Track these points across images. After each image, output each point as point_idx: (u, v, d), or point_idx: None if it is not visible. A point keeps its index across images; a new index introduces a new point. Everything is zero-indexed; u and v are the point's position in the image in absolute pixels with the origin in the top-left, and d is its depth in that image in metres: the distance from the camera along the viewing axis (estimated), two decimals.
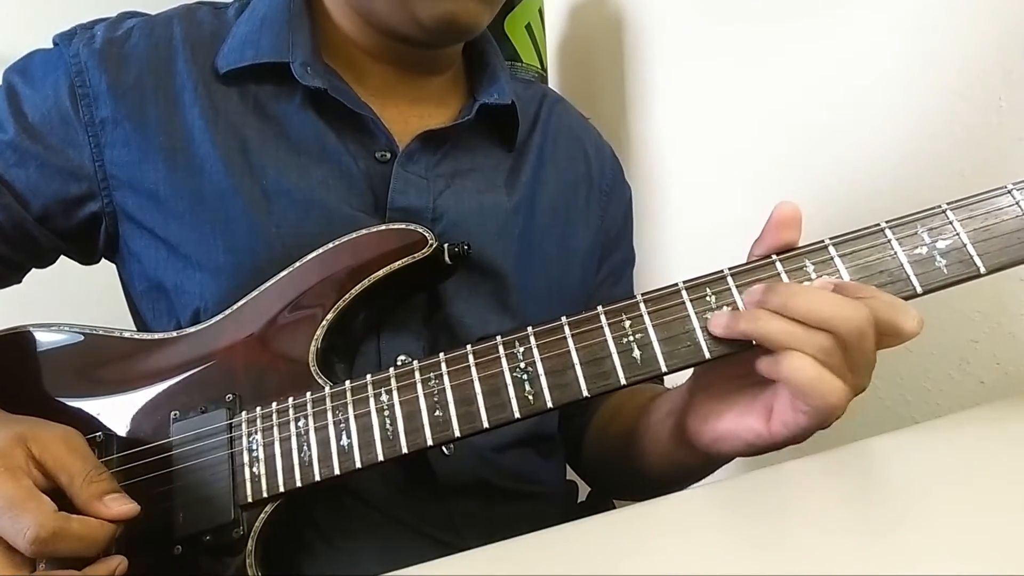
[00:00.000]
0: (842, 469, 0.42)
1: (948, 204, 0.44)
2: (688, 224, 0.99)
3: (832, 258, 0.45)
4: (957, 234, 0.43)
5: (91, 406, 0.54)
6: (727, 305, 0.45)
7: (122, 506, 0.46)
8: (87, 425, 0.52)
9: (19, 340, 0.57)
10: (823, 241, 0.45)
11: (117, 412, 0.54)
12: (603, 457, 0.65)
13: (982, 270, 0.43)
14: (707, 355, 0.44)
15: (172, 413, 0.52)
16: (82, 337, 0.56)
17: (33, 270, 0.63)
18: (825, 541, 0.30)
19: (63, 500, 0.45)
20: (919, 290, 0.43)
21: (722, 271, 0.46)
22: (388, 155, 0.59)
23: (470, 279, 0.58)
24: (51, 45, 0.60)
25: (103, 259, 0.63)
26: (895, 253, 0.44)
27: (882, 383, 0.72)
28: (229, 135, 0.57)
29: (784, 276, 0.45)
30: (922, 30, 0.68)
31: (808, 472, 0.42)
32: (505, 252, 0.60)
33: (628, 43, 1.11)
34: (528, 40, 1.09)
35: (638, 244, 0.77)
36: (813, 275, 0.45)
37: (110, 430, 0.52)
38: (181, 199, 0.56)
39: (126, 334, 0.56)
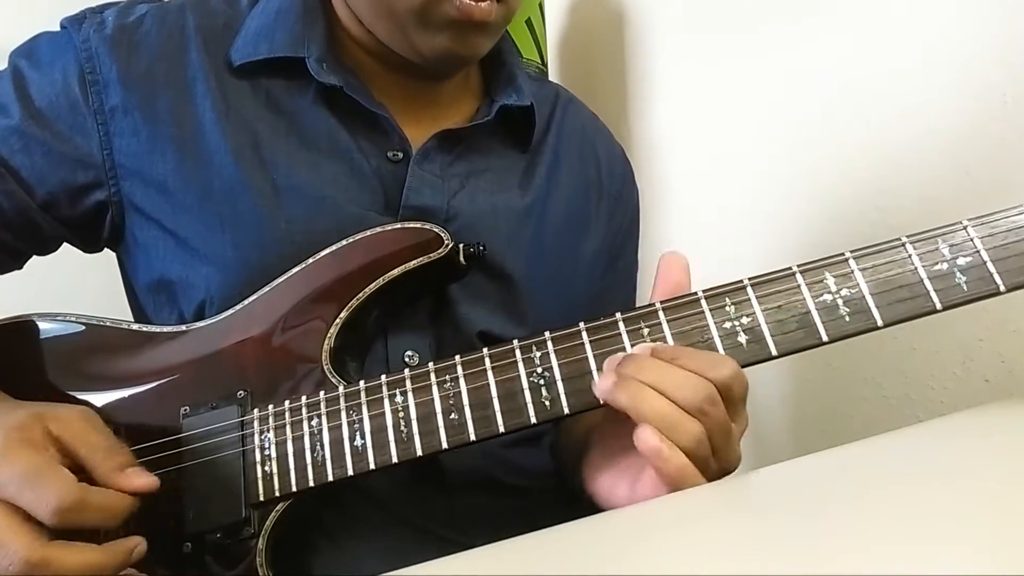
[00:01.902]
0: (845, 468, 0.40)
1: (969, 220, 0.42)
2: (690, 221, 0.96)
3: (852, 272, 0.43)
4: (977, 251, 0.41)
5: (99, 399, 0.51)
6: (746, 316, 0.43)
7: (143, 479, 0.44)
8: None
9: (25, 329, 0.54)
10: (843, 254, 0.43)
11: (126, 406, 0.51)
12: (563, 457, 0.63)
13: (1002, 288, 0.41)
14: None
15: (182, 408, 0.50)
16: (90, 328, 0.53)
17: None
18: (827, 541, 0.29)
19: (81, 476, 0.43)
20: (939, 306, 0.41)
21: (742, 281, 0.44)
22: (400, 155, 0.57)
23: (478, 281, 0.56)
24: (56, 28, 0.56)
25: (105, 248, 0.60)
26: (915, 268, 0.42)
27: (886, 381, 0.70)
28: (240, 128, 0.54)
29: (804, 287, 0.43)
30: (925, 26, 0.66)
31: (810, 471, 0.41)
32: (515, 257, 0.58)
33: (629, 38, 1.08)
34: (528, 35, 1.06)
35: (640, 241, 0.74)
36: (833, 287, 0.43)
37: (119, 424, 0.50)
38: (190, 191, 0.53)
39: (134, 326, 0.54)
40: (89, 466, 0.43)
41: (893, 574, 0.25)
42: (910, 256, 0.42)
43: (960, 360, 0.63)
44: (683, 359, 0.40)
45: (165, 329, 0.53)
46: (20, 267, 0.59)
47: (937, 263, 0.42)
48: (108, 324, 0.53)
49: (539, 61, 1.05)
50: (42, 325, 0.54)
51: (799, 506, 0.35)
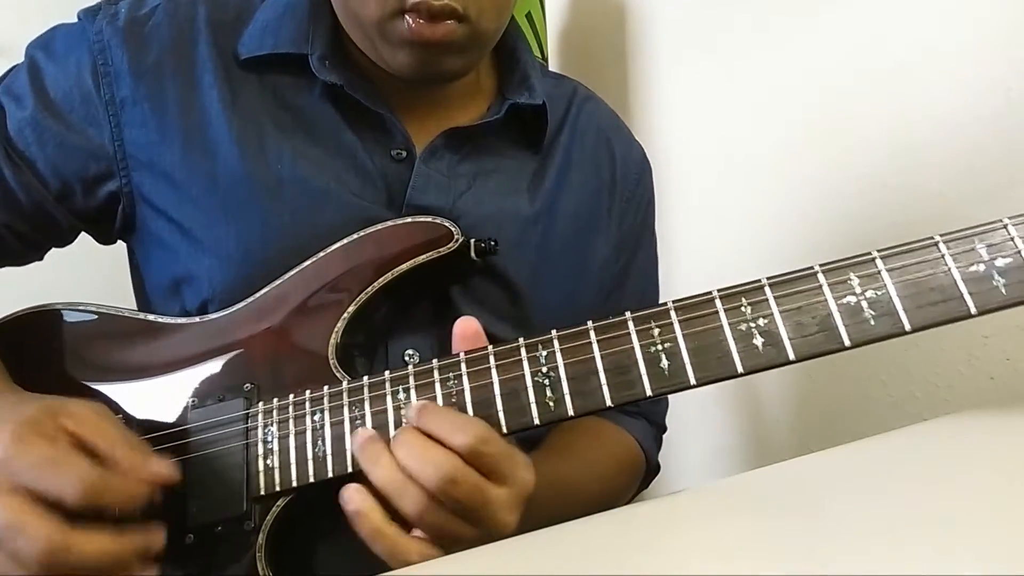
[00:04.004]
0: (848, 467, 0.38)
1: (1010, 219, 0.37)
2: (693, 218, 0.92)
3: (879, 272, 0.37)
4: (1019, 251, 0.36)
5: (111, 389, 0.49)
6: (763, 318, 0.39)
7: (165, 468, 0.41)
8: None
9: (45, 319, 0.52)
10: (870, 253, 0.38)
11: (137, 396, 0.49)
12: None
13: None
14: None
15: (190, 400, 0.47)
16: (107, 318, 0.51)
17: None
18: (829, 541, 0.27)
19: None
20: (974, 311, 0.36)
21: (760, 281, 0.39)
22: (404, 154, 0.53)
23: (481, 286, 0.52)
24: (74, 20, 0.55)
25: (118, 240, 0.58)
26: (948, 269, 0.37)
27: (890, 379, 0.66)
28: (246, 122, 0.52)
29: (826, 288, 0.38)
30: (929, 21, 0.62)
31: (814, 470, 0.38)
32: (519, 263, 0.54)
33: (631, 32, 1.03)
34: (529, 29, 1.00)
35: None
36: (857, 288, 0.38)
37: (129, 414, 0.48)
38: (195, 183, 0.51)
39: (150, 317, 0.52)
40: (112, 459, 0.41)
41: (894, 574, 0.23)
42: (943, 256, 0.37)
43: (965, 358, 0.60)
44: (431, 424, 0.39)
45: (179, 321, 0.51)
46: (40, 258, 0.58)
47: (973, 264, 0.37)
48: (126, 315, 0.52)
49: (539, 56, 1.00)
50: (63, 315, 0.52)
51: (800, 505, 0.32)
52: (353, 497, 0.39)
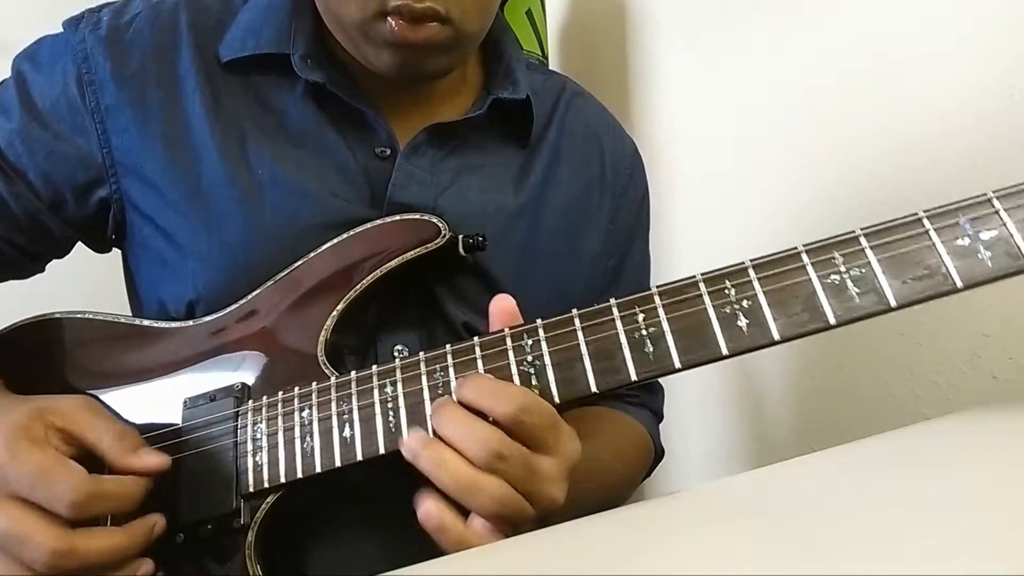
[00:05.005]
0: (851, 466, 0.37)
1: (995, 192, 0.36)
2: (693, 215, 0.90)
3: (863, 249, 0.37)
4: (1004, 224, 0.35)
5: (108, 394, 0.49)
6: (747, 300, 0.38)
7: (155, 458, 0.42)
8: None
9: (45, 327, 0.52)
10: (854, 232, 0.37)
11: (132, 398, 0.49)
12: None
13: None
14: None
15: (183, 401, 0.47)
16: (103, 325, 0.52)
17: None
18: (830, 540, 0.27)
19: (89, 463, 0.41)
20: (959, 285, 0.35)
21: (743, 263, 0.39)
22: (388, 151, 0.53)
23: (465, 284, 0.52)
24: (59, 30, 0.55)
25: (113, 248, 0.58)
26: (933, 244, 0.36)
27: (892, 378, 0.65)
28: (228, 125, 0.52)
29: (810, 268, 0.37)
30: (932, 18, 0.61)
31: (815, 470, 0.37)
32: (503, 260, 0.53)
33: (632, 29, 1.03)
34: (528, 26, 1.00)
35: None
36: (842, 266, 0.37)
37: (124, 416, 0.48)
38: (178, 189, 0.51)
39: (145, 322, 0.52)
40: (100, 451, 0.41)
41: (894, 574, 0.23)
42: (927, 231, 0.36)
43: (967, 357, 0.58)
44: (471, 395, 0.38)
45: (174, 325, 0.51)
46: (42, 270, 0.58)
47: (958, 238, 0.36)
48: (122, 321, 0.52)
49: (539, 53, 1.00)
50: (62, 322, 0.52)
51: (801, 505, 0.31)
52: (432, 513, 0.37)
